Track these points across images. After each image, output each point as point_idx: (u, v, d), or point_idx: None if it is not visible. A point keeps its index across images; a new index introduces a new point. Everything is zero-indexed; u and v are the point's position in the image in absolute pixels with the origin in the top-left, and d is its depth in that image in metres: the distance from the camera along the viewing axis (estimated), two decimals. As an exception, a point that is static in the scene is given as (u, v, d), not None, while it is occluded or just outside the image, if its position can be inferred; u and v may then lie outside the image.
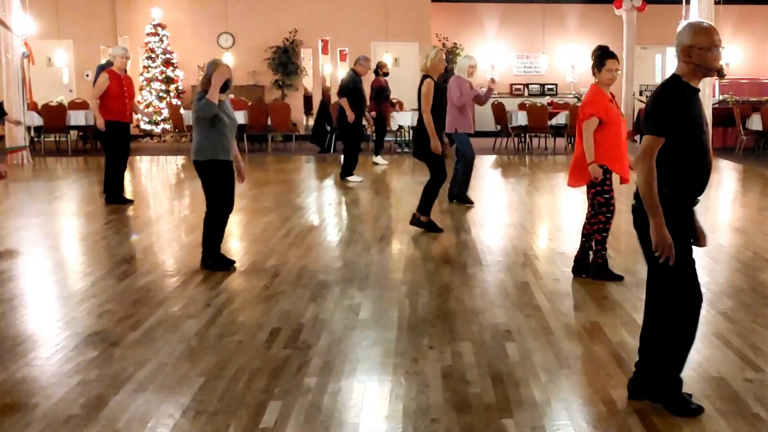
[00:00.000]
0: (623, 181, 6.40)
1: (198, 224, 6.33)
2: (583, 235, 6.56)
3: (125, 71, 10.27)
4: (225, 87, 6.64)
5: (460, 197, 10.45)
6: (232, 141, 6.79)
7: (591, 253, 6.53)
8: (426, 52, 8.42)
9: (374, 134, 15.34)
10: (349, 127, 12.76)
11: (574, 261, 6.64)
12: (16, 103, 14.85)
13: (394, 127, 17.56)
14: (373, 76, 14.85)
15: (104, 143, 10.50)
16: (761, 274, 6.77)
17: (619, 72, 6.36)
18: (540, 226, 9.17)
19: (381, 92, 15.03)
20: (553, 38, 22.68)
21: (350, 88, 12.77)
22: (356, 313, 5.66)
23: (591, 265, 6.54)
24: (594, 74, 6.36)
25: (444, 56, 8.50)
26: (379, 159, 15.13)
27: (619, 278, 6.48)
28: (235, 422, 3.86)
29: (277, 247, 7.81)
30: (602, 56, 6.28)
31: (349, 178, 12.61)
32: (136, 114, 11.78)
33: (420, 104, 8.36)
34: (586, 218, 6.54)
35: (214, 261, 6.88)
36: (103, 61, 14.14)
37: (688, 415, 3.86)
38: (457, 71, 10.40)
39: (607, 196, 6.33)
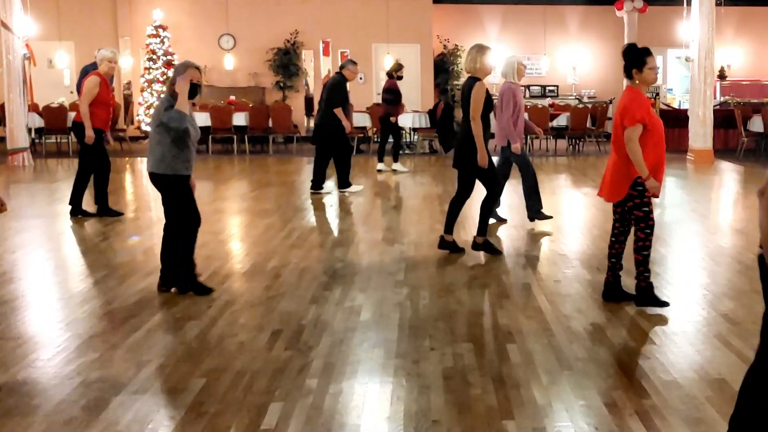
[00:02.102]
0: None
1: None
2: (612, 255, 5.92)
3: (112, 78, 9.54)
4: (193, 93, 5.93)
5: (540, 214, 9.17)
6: (194, 152, 6.13)
7: (621, 274, 5.96)
8: (471, 53, 7.39)
9: (387, 140, 14.86)
10: (341, 137, 11.68)
11: (605, 285, 6.01)
12: (17, 105, 14.86)
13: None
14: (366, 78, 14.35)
15: (83, 151, 9.54)
16: (762, 276, 6.75)
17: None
18: (541, 227, 9.15)
19: (397, 95, 14.60)
20: (554, 40, 22.68)
21: (341, 95, 11.66)
22: (357, 314, 5.66)
23: (636, 289, 5.83)
24: (632, 75, 5.62)
25: (491, 55, 7.42)
26: (398, 166, 14.42)
27: (665, 304, 5.76)
28: (236, 424, 3.86)
29: (279, 249, 7.81)
30: (644, 53, 5.60)
31: (350, 189, 11.73)
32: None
33: (466, 109, 7.34)
34: (614, 236, 5.93)
35: (194, 285, 6.17)
36: (93, 62, 14.04)
37: None
38: (505, 75, 9.00)
39: (646, 209, 5.65)
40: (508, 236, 8.55)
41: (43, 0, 18.48)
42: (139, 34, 19.97)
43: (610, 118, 20.31)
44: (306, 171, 15.02)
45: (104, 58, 9.29)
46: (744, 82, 21.97)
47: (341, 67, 11.86)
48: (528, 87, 22.56)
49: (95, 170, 9.56)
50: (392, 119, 14.64)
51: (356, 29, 20.97)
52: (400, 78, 14.75)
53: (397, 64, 14.94)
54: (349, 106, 12.07)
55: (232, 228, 9.24)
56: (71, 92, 20.27)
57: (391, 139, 14.84)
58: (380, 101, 16.12)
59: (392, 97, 14.61)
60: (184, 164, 5.98)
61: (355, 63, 11.90)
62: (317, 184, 11.74)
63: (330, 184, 12.06)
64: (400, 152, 15.41)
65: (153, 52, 19.51)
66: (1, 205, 4.33)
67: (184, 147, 5.94)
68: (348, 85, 11.97)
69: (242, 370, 4.58)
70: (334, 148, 11.76)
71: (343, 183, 11.77)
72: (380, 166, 14.59)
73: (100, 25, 20.41)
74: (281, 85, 20.97)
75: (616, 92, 21.46)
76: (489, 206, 7.59)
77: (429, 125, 17.70)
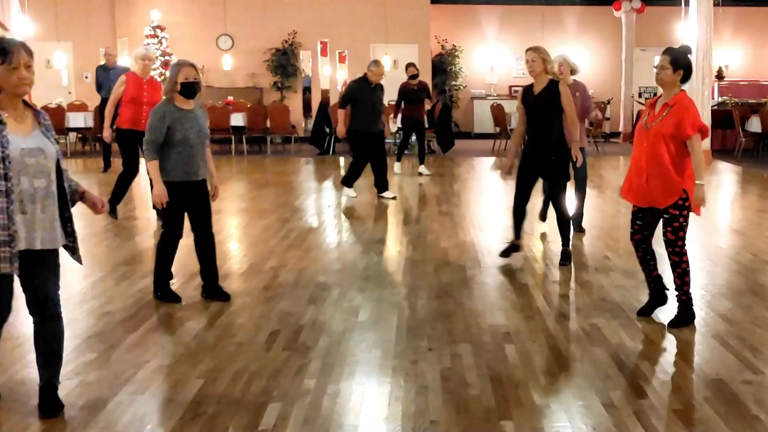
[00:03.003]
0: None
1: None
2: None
3: (149, 75, 9.46)
4: (192, 92, 5.76)
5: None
6: (200, 157, 5.85)
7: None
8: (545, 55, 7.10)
9: (408, 142, 14.50)
10: (350, 139, 11.40)
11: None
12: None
13: (393, 129, 17.36)
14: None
15: (121, 152, 9.47)
16: (760, 276, 6.77)
17: (664, 69, 5.26)
18: (539, 228, 9.16)
19: (400, 95, 14.14)
20: (552, 40, 22.61)
21: (350, 97, 11.20)
22: (355, 315, 5.66)
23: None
24: None
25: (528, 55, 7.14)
26: (422, 168, 14.06)
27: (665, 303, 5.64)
28: (234, 424, 3.86)
29: (276, 249, 7.81)
30: None
31: (345, 190, 11.37)
32: None
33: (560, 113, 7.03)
34: None
35: (164, 292, 6.03)
36: (102, 63, 14.14)
37: None
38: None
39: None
40: (506, 237, 8.55)
41: (40, 0, 18.47)
42: (137, 35, 19.92)
43: (608, 118, 20.37)
44: (304, 171, 15.03)
45: (137, 57, 9.34)
46: (742, 83, 21.98)
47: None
48: (526, 87, 22.52)
49: (128, 171, 9.41)
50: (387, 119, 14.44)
51: (354, 30, 20.96)
52: (413, 77, 14.38)
53: (407, 65, 14.76)
54: (370, 109, 11.12)
55: (230, 228, 9.24)
56: (69, 92, 20.28)
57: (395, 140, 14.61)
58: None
59: (397, 99, 14.39)
60: (184, 172, 5.77)
61: (376, 63, 11.18)
62: (381, 188, 11.30)
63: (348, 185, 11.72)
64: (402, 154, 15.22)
65: (151, 52, 19.48)
66: (102, 206, 4.20)
67: (184, 154, 5.75)
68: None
69: (240, 370, 4.58)
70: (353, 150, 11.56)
71: (346, 181, 11.41)
72: (420, 168, 14.17)
73: (98, 26, 20.39)
74: (279, 85, 20.97)
75: (614, 92, 21.51)
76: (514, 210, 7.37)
77: (427, 125, 17.67)
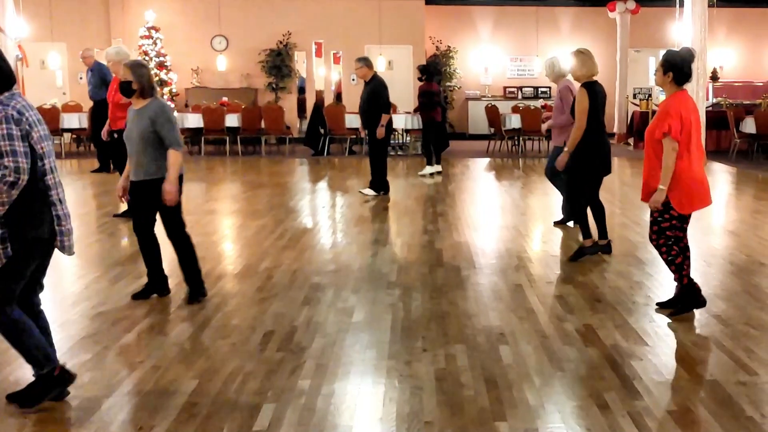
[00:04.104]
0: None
1: (189, 229, 6.24)
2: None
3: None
4: (122, 91, 5.76)
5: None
6: (138, 157, 5.74)
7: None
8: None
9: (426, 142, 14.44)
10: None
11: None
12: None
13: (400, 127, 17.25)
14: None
15: None
16: (754, 277, 6.78)
17: (657, 71, 5.49)
18: (533, 228, 9.18)
19: (423, 97, 14.25)
20: (546, 41, 22.70)
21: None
22: (350, 315, 5.66)
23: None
24: None
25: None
26: (425, 169, 14.18)
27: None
28: (229, 425, 3.86)
29: (271, 250, 7.80)
30: None
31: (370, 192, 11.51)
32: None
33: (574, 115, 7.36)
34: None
35: (139, 292, 6.16)
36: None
37: None
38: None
39: None
40: (501, 237, 8.56)
41: (35, 1, 18.41)
42: (131, 36, 19.91)
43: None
44: (298, 172, 15.01)
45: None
46: (736, 84, 22.00)
47: None
48: (520, 88, 22.58)
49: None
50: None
51: (349, 31, 20.94)
52: (419, 79, 14.31)
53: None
54: (365, 108, 11.60)
55: (225, 229, 9.23)
56: (63, 93, 20.23)
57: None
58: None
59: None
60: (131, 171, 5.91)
61: (356, 60, 11.57)
62: (375, 188, 11.48)
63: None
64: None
65: (145, 53, 19.46)
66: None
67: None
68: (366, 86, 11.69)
69: (234, 371, 4.57)
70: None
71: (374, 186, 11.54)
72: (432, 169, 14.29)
73: (92, 27, 20.33)
74: (273, 86, 20.95)
75: (609, 94, 21.41)
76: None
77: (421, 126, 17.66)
